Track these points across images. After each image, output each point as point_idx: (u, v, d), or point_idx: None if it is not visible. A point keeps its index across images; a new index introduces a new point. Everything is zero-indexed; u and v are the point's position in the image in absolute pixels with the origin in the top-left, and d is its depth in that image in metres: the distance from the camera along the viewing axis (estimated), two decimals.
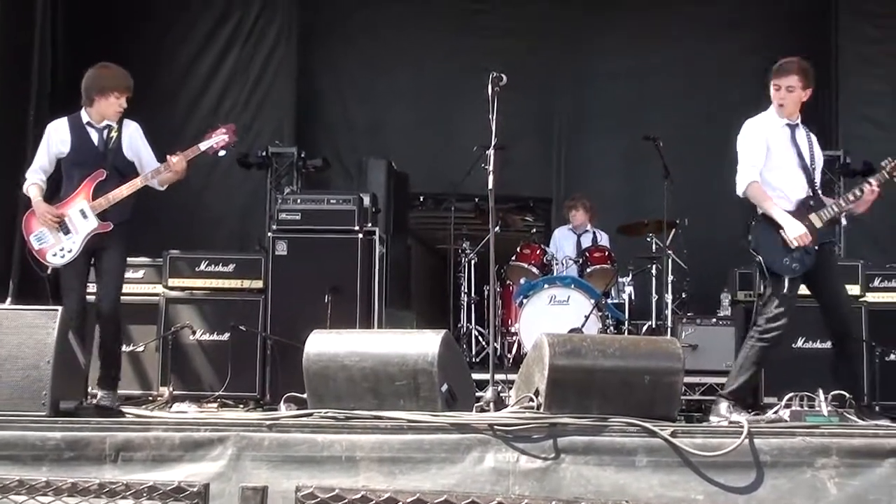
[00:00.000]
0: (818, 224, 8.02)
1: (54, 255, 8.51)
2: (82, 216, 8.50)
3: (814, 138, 8.31)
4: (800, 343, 10.20)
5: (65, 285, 8.57)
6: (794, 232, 7.90)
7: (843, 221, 8.26)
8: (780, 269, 7.94)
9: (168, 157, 8.66)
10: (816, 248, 7.99)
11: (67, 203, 8.55)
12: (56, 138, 8.70)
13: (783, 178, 8.14)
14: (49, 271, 8.58)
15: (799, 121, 8.27)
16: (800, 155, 8.15)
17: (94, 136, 8.67)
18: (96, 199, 8.49)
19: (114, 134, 8.68)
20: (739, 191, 8.17)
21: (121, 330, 8.99)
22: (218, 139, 8.96)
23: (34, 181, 8.73)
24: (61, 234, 8.52)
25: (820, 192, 8.20)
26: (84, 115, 8.69)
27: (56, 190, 8.76)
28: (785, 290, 7.92)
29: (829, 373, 8.06)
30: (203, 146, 8.91)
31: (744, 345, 8.17)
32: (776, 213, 8.01)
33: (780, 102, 8.20)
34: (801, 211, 8.05)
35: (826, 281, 8.16)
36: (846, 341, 8.15)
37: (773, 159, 8.15)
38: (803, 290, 8.23)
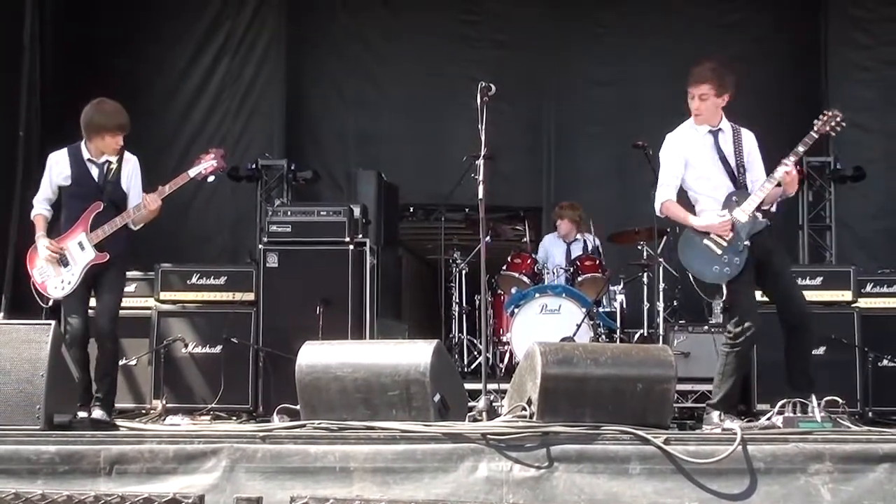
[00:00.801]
0: (743, 218, 7.87)
1: (55, 287, 8.68)
2: (80, 248, 8.65)
3: (744, 134, 8.14)
4: None
5: (66, 311, 8.74)
6: (704, 222, 7.92)
7: (774, 208, 8.08)
8: (713, 277, 7.87)
9: (144, 195, 8.75)
10: (748, 243, 7.83)
11: (67, 237, 8.71)
12: (56, 171, 8.85)
13: (709, 185, 8.08)
14: (51, 303, 8.75)
15: (722, 123, 8.12)
16: (723, 160, 8.04)
17: (94, 171, 8.81)
18: (94, 231, 8.62)
19: (113, 167, 8.81)
20: (656, 210, 8.23)
21: (118, 350, 9.06)
22: (207, 165, 9.03)
23: (40, 211, 8.91)
24: (61, 267, 8.68)
25: (749, 187, 8.01)
26: (84, 151, 8.81)
27: (56, 218, 8.91)
28: (734, 294, 7.86)
29: (785, 375, 7.91)
30: (192, 173, 8.99)
31: (720, 355, 8.08)
32: (692, 221, 8.01)
33: (695, 112, 8.13)
34: (726, 210, 7.95)
35: (776, 280, 8.05)
36: (801, 334, 7.93)
37: (696, 169, 8.13)
38: None
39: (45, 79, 12.70)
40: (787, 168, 7.82)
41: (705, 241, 7.90)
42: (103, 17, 13.72)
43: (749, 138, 8.16)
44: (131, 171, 8.88)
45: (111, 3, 13.85)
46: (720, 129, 8.12)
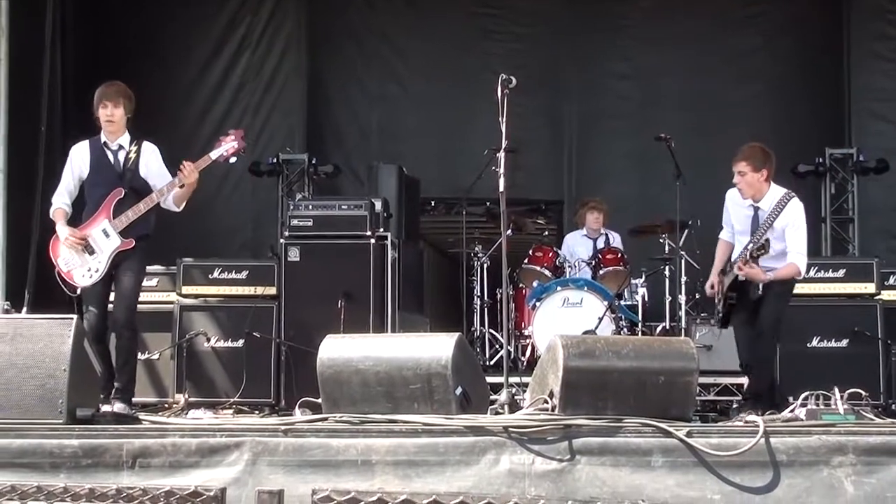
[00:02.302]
0: (727, 281, 8.98)
1: (82, 275, 8.65)
2: (105, 235, 8.63)
3: (788, 208, 8.78)
4: (814, 342, 10.20)
5: (87, 302, 8.72)
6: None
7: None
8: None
9: (181, 168, 8.74)
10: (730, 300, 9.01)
11: (90, 224, 8.68)
12: (77, 161, 8.87)
13: (739, 244, 9.04)
14: (78, 292, 8.71)
15: (763, 201, 8.86)
16: (753, 233, 8.85)
17: (111, 158, 8.81)
18: (117, 218, 8.61)
19: (131, 156, 8.80)
20: None
21: (136, 341, 9.06)
22: (228, 146, 9.04)
23: (59, 205, 8.87)
24: (87, 255, 8.64)
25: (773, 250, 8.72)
26: (101, 136, 8.84)
27: (78, 213, 8.87)
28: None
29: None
30: (214, 155, 8.99)
31: None
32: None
33: (737, 186, 8.94)
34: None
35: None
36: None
37: (734, 227, 9.19)
38: (819, 288, 9.77)
39: (66, 75, 12.75)
40: (739, 266, 8.73)
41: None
42: (123, 12, 13.76)
43: (789, 212, 8.78)
44: (149, 158, 8.84)
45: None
46: (759, 208, 8.87)
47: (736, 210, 9.07)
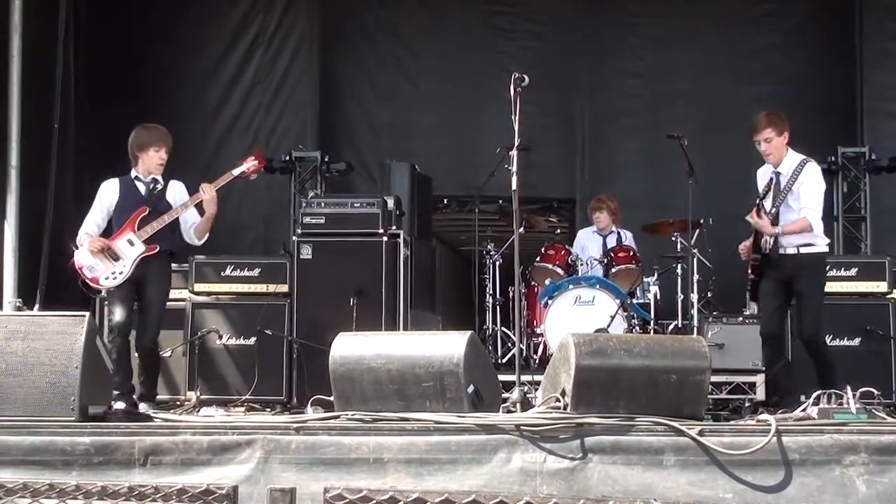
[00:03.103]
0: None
1: (107, 278, 8.97)
2: (129, 244, 8.98)
3: (803, 174, 9.03)
4: (827, 341, 10.16)
5: (111, 305, 9.15)
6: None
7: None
8: None
9: (202, 186, 9.13)
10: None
11: (115, 238, 9.03)
12: (107, 197, 9.22)
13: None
14: (103, 293, 9.23)
15: (783, 166, 9.13)
16: (775, 197, 9.10)
17: (142, 188, 9.19)
18: (141, 229, 8.96)
19: (159, 186, 9.21)
20: None
21: (160, 360, 9.48)
22: (249, 165, 9.49)
23: (86, 232, 9.16)
24: (111, 261, 8.96)
25: (787, 209, 9.10)
26: (132, 173, 9.24)
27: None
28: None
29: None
30: (235, 172, 9.43)
31: None
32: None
33: (765, 154, 9.19)
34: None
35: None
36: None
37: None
38: (831, 287, 9.68)
39: (79, 73, 12.78)
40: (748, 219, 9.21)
41: None
42: (136, 10, 13.79)
43: (805, 173, 9.05)
44: (175, 190, 9.27)
45: None
46: (780, 173, 9.12)
47: (763, 178, 9.34)
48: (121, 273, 8.87)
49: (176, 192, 9.26)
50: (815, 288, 9.10)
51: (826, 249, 9.27)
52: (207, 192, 9.06)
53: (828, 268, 9.60)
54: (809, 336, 9.00)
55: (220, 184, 9.19)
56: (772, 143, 9.06)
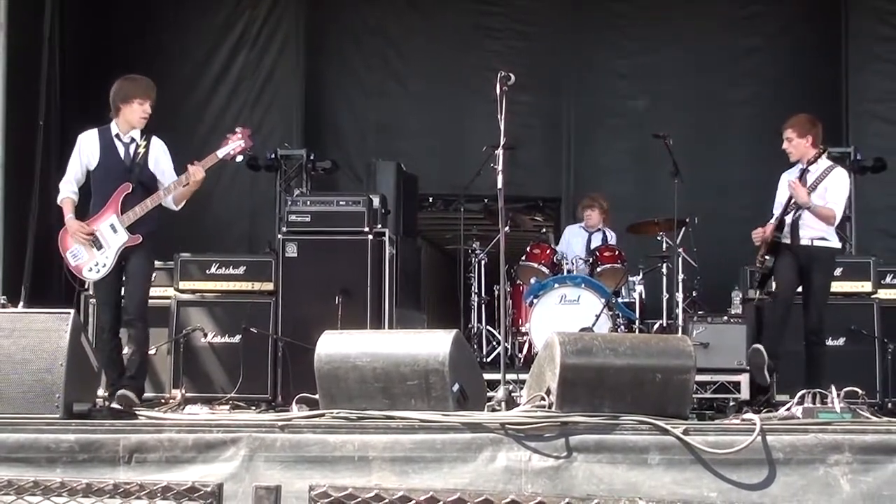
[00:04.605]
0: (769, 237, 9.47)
1: (90, 269, 8.78)
2: (113, 231, 8.73)
3: (832, 174, 9.40)
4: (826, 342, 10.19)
5: (99, 300, 8.98)
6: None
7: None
8: None
9: (188, 166, 8.84)
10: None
11: (98, 219, 8.77)
12: (86, 150, 8.92)
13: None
14: (86, 286, 9.05)
15: (813, 165, 9.42)
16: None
17: (121, 150, 8.88)
18: (125, 213, 8.70)
19: (140, 150, 8.88)
20: None
21: (147, 333, 9.09)
22: (234, 145, 9.14)
23: (67, 194, 8.94)
24: (94, 249, 8.75)
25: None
26: (113, 127, 8.92)
27: (85, 202, 8.94)
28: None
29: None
30: (220, 153, 9.10)
31: None
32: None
33: (786, 150, 9.56)
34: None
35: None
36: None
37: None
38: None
39: (65, 69, 12.74)
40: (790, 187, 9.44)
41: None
42: (122, 7, 13.77)
43: (833, 175, 9.43)
44: (159, 153, 8.95)
45: None
46: (808, 170, 9.41)
47: (785, 177, 9.65)
48: (104, 266, 8.69)
49: (158, 155, 8.93)
50: (823, 283, 9.31)
51: (839, 246, 9.59)
52: (197, 175, 8.78)
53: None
54: (812, 328, 9.19)
55: (206, 164, 8.89)
56: (792, 143, 9.46)
